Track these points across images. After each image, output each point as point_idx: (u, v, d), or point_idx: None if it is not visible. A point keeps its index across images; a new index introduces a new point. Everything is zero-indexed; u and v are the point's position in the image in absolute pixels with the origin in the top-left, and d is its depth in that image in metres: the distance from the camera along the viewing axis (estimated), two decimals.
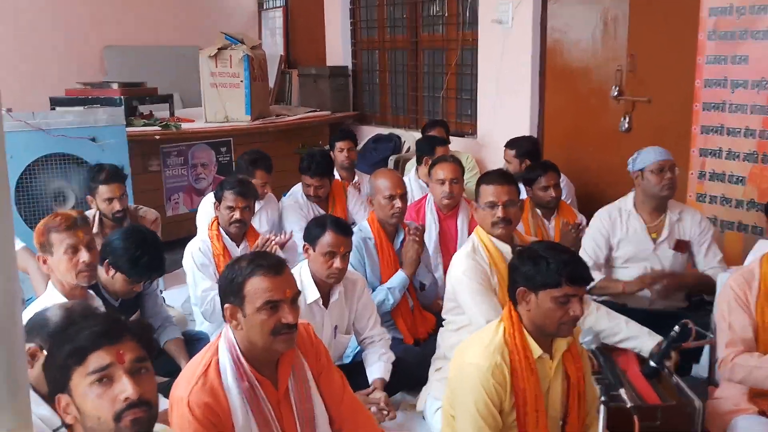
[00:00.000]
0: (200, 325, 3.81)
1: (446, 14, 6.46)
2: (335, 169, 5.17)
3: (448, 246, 4.09)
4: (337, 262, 3.01)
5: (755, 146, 4.10)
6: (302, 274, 3.07)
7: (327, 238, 3.02)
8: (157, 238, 3.25)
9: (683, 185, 4.40)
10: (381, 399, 2.99)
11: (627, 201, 3.78)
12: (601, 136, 5.26)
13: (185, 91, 7.64)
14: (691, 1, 4.32)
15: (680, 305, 3.79)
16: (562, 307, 2.21)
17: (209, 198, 4.44)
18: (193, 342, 3.47)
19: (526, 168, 4.69)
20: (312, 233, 3.07)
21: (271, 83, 7.82)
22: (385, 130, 7.03)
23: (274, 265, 2.15)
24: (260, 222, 4.41)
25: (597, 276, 3.67)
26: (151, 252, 3.09)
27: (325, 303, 3.10)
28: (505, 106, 5.79)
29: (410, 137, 6.65)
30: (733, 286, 2.73)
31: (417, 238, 3.53)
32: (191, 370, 2.16)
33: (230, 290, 2.14)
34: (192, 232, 4.37)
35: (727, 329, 2.69)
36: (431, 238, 4.11)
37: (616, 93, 5.07)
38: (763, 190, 4.06)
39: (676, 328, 2.70)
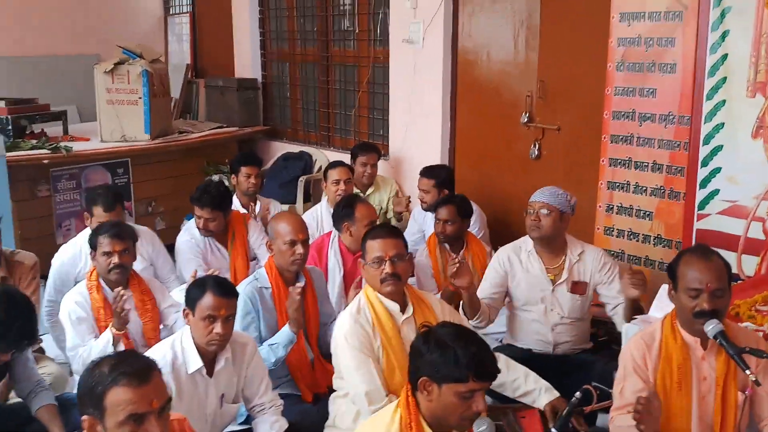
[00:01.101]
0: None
1: (357, 30, 6.22)
2: (235, 196, 4.90)
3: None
4: (217, 327, 2.74)
5: (662, 181, 4.04)
6: (183, 341, 2.81)
7: (206, 300, 2.74)
8: (28, 303, 2.94)
9: (591, 218, 4.34)
10: None
11: (527, 241, 3.65)
12: (512, 162, 5.16)
13: (85, 103, 7.15)
14: (601, 30, 4.23)
15: (585, 346, 3.72)
16: (465, 402, 2.10)
17: (68, 247, 4.12)
18: (69, 408, 3.15)
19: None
20: (191, 296, 2.80)
21: (177, 93, 7.45)
22: (296, 147, 6.75)
23: (139, 372, 1.91)
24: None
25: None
26: (21, 320, 2.79)
27: (210, 371, 2.85)
28: (417, 127, 5.63)
29: (322, 156, 6.42)
30: (633, 351, 2.63)
31: (297, 296, 3.24)
32: None
33: (89, 400, 1.92)
34: None
35: (618, 394, 2.62)
36: (335, 281, 3.90)
37: (526, 119, 4.97)
38: (670, 226, 4.01)
39: (578, 393, 2.58)
